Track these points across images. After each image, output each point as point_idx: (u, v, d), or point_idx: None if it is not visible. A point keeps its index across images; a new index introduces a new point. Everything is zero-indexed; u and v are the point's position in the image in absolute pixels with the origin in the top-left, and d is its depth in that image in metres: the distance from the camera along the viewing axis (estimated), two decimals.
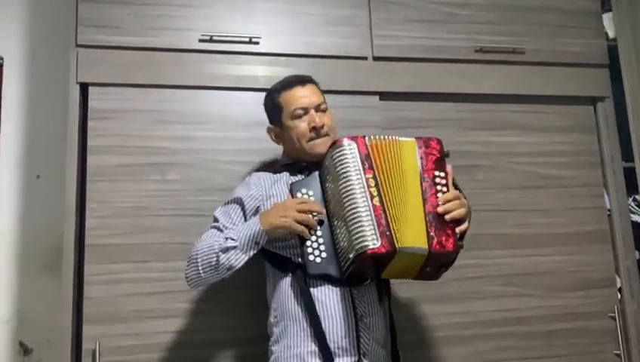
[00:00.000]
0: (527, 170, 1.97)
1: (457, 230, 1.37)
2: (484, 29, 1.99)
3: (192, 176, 1.73)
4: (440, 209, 1.36)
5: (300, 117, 1.50)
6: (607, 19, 2.20)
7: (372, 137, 1.43)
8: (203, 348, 1.65)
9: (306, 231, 1.36)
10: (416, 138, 1.45)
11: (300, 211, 1.36)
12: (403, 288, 1.76)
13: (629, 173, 2.08)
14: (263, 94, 1.78)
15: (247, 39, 1.80)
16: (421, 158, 1.42)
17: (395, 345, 1.45)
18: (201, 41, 1.77)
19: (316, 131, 1.48)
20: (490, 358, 1.82)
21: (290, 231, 1.37)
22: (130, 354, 1.60)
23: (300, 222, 1.35)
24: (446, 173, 1.42)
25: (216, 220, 1.48)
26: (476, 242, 1.76)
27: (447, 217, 1.35)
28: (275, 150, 1.78)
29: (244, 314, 1.69)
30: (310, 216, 1.37)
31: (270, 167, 1.64)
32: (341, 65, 1.86)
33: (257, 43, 1.81)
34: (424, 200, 1.37)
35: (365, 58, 1.89)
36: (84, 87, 1.71)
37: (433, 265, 1.37)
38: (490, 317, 1.84)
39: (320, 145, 1.48)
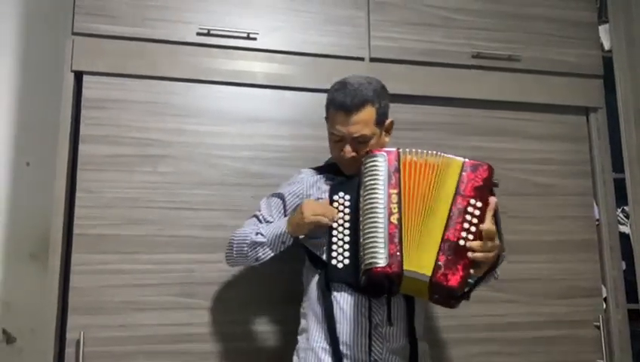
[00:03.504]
0: (518, 177, 1.98)
1: (472, 271, 1.27)
2: (481, 35, 2.00)
3: (184, 169, 1.72)
4: (463, 242, 1.27)
5: (334, 141, 1.49)
6: (603, 30, 2.22)
7: (409, 151, 1.37)
8: (188, 341, 1.65)
9: (324, 219, 1.38)
10: (466, 159, 1.35)
11: (314, 213, 1.39)
12: None
13: (619, 184, 2.10)
14: (259, 90, 1.78)
15: (245, 34, 1.80)
16: (461, 182, 1.32)
17: (415, 358, 1.42)
18: (198, 34, 1.77)
19: (345, 159, 1.47)
20: None
21: (306, 226, 1.40)
22: (114, 345, 1.59)
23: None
24: (484, 204, 1.30)
25: (259, 209, 1.57)
26: None
27: (469, 255, 1.26)
28: (266, 146, 1.79)
29: (232, 309, 1.69)
30: (322, 217, 1.39)
31: (319, 165, 1.63)
32: (338, 65, 1.86)
33: (255, 39, 1.81)
34: (446, 226, 1.28)
35: (362, 59, 1.89)
36: (78, 76, 1.70)
37: (440, 294, 1.30)
38: (475, 321, 1.85)
39: (348, 168, 1.49)
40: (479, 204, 1.30)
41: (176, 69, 1.75)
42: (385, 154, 1.37)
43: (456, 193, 1.31)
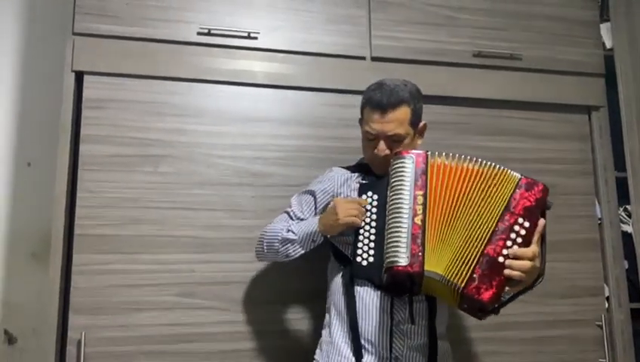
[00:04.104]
0: None
1: (506, 288, 1.27)
2: (483, 33, 2.00)
3: (184, 169, 1.72)
4: (502, 259, 1.25)
5: (369, 140, 1.49)
6: (604, 29, 2.21)
7: (439, 155, 1.36)
8: (189, 341, 1.65)
9: (353, 220, 1.39)
10: (523, 176, 1.32)
11: (347, 209, 1.40)
12: None
13: (621, 183, 2.09)
14: (260, 89, 1.78)
15: (246, 34, 1.79)
16: (513, 198, 1.29)
17: (434, 358, 1.43)
18: (199, 34, 1.76)
19: (378, 158, 1.47)
20: None
21: (339, 228, 1.41)
22: (115, 345, 1.59)
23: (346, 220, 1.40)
24: (533, 226, 1.28)
25: (290, 206, 1.58)
26: None
27: (506, 272, 1.25)
28: (267, 146, 1.79)
29: (233, 309, 1.68)
30: (355, 217, 1.39)
31: (351, 165, 1.62)
32: (339, 64, 1.85)
33: (256, 38, 1.80)
34: (489, 240, 1.27)
35: (363, 58, 1.89)
36: (79, 76, 1.69)
37: (468, 304, 1.29)
38: (478, 321, 1.83)
39: (379, 168, 1.49)
40: (527, 224, 1.28)
41: (177, 69, 1.75)
42: (413, 155, 1.36)
43: (506, 209, 1.29)
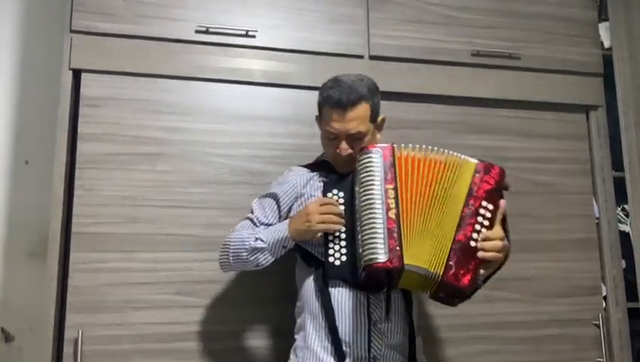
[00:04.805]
0: (517, 176, 1.97)
1: (481, 271, 1.29)
2: (482, 32, 2.00)
3: (182, 168, 1.72)
4: (474, 243, 1.28)
5: (329, 138, 1.48)
6: (603, 28, 2.21)
7: (405, 146, 1.37)
8: (186, 340, 1.64)
9: (330, 227, 1.37)
10: (479, 161, 1.36)
11: (321, 214, 1.37)
12: None
13: (619, 183, 2.09)
14: (257, 88, 1.78)
15: (244, 32, 1.79)
16: (474, 183, 1.32)
17: (413, 353, 1.43)
18: (197, 32, 1.76)
19: (341, 158, 1.46)
20: (475, 361, 1.82)
21: (314, 234, 1.38)
22: (112, 343, 1.59)
23: (322, 222, 1.37)
24: (495, 207, 1.32)
25: (252, 211, 1.52)
26: None
27: (479, 255, 1.28)
28: (265, 145, 1.78)
29: (230, 308, 1.68)
30: (331, 218, 1.37)
31: (310, 163, 1.61)
32: (337, 63, 1.85)
33: (254, 36, 1.80)
34: (458, 227, 1.29)
35: (362, 57, 1.89)
36: (76, 74, 1.69)
37: (446, 292, 1.31)
38: (475, 320, 1.85)
39: (343, 166, 1.47)
40: (490, 207, 1.31)
41: (175, 67, 1.75)
42: (380, 149, 1.36)
43: (469, 195, 1.32)
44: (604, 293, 1.97)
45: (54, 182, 1.63)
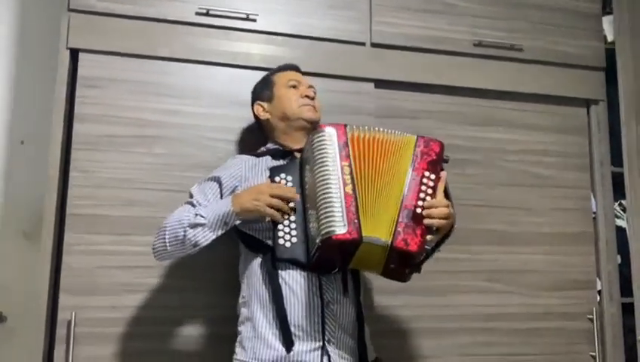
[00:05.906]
0: (516, 168, 1.97)
1: (428, 237, 1.34)
2: (484, 23, 1.98)
3: (178, 151, 1.70)
4: (420, 210, 1.33)
5: (293, 87, 1.57)
6: (606, 22, 2.19)
7: (355, 127, 1.41)
8: (180, 324, 1.64)
9: (278, 215, 1.36)
10: (418, 136, 1.43)
11: (273, 196, 1.36)
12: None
13: (617, 178, 2.09)
14: (257, 72, 1.76)
15: (245, 16, 1.77)
16: (415, 156, 1.39)
17: (362, 336, 1.43)
18: (197, 14, 1.74)
19: (307, 98, 1.55)
20: (467, 352, 1.83)
21: (261, 215, 1.37)
22: (106, 326, 1.59)
23: (272, 207, 1.35)
24: (437, 177, 1.39)
25: (191, 196, 1.48)
26: (462, 236, 1.75)
27: (426, 221, 1.33)
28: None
29: (224, 293, 1.67)
30: (281, 205, 1.36)
31: (255, 151, 1.61)
32: (338, 50, 1.84)
33: (254, 20, 1.78)
34: (404, 196, 1.35)
35: (363, 44, 1.87)
36: (74, 53, 1.67)
37: (396, 262, 1.35)
38: (469, 311, 1.85)
39: (310, 110, 1.54)
40: (432, 177, 1.38)
41: (175, 49, 1.73)
42: (334, 128, 1.40)
43: (412, 166, 1.39)
44: (598, 288, 1.97)
45: (50, 162, 1.61)
